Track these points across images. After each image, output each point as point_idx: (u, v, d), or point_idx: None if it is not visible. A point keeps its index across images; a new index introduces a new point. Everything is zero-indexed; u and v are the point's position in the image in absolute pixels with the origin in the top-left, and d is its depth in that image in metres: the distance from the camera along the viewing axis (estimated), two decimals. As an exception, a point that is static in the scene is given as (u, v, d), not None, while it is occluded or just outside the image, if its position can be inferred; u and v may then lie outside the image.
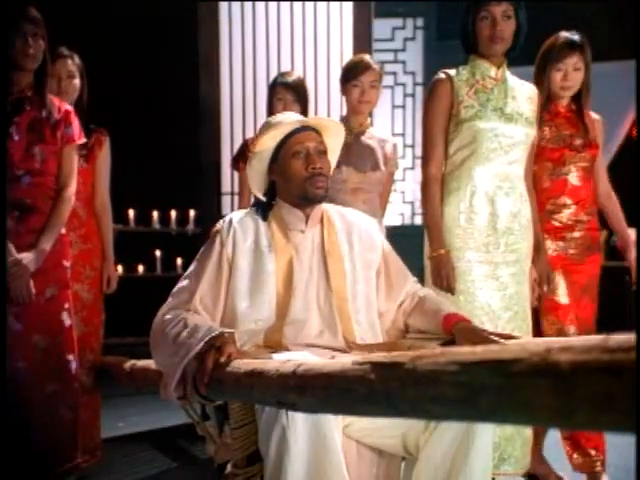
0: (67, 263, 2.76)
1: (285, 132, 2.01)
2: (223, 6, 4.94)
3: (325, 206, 2.14)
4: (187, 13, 5.12)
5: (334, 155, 2.16)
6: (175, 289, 2.00)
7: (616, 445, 2.93)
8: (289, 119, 2.07)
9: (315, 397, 1.06)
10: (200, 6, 4.89)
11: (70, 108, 2.78)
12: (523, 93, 2.75)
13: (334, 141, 2.12)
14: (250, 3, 4.96)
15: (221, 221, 2.05)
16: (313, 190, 1.99)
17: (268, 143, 2.03)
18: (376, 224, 2.29)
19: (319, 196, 2.01)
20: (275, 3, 4.98)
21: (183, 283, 1.99)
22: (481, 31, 2.61)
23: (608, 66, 6.61)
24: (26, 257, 2.55)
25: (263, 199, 2.12)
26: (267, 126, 2.05)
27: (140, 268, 6.18)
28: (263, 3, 4.97)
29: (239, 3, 4.95)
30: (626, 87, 6.15)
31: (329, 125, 2.10)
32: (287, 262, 1.99)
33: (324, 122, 2.11)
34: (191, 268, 2.02)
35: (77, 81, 3.11)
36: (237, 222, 2.03)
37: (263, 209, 2.08)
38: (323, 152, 2.03)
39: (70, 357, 2.72)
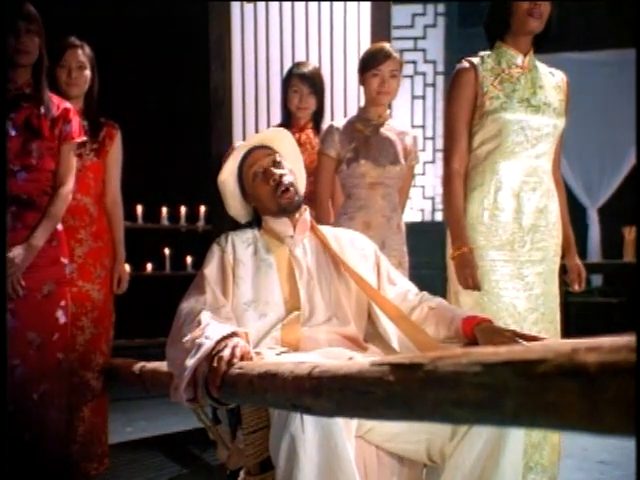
0: (65, 260, 2.81)
1: (237, 159, 2.20)
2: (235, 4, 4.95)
3: (315, 224, 2.31)
4: (197, 2, 5.14)
5: (296, 159, 2.31)
6: (189, 289, 2.07)
7: (616, 445, 2.92)
8: (235, 149, 2.24)
9: (331, 400, 1.07)
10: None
11: (69, 106, 2.84)
12: (551, 81, 2.73)
13: (287, 148, 2.28)
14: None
15: (217, 238, 2.21)
16: (283, 200, 2.15)
17: (229, 181, 2.23)
18: (365, 238, 2.36)
19: (293, 203, 2.17)
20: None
21: (193, 285, 2.07)
22: (519, 6, 2.58)
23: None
24: (17, 255, 2.61)
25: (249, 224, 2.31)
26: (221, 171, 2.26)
27: (148, 266, 6.21)
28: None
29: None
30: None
31: (273, 137, 2.26)
32: (286, 260, 2.14)
33: (266, 136, 2.27)
34: (197, 276, 2.11)
35: (87, 72, 3.13)
36: (234, 235, 2.19)
37: (255, 223, 2.27)
38: (278, 162, 2.19)
39: (61, 356, 2.77)
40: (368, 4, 4.80)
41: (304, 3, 4.95)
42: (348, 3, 4.90)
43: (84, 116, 3.06)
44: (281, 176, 2.15)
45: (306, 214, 2.23)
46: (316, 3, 4.93)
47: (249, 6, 4.91)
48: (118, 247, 3.28)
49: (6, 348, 2.55)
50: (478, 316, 1.97)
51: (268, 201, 2.17)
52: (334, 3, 4.93)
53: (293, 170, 2.23)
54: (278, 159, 2.19)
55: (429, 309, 2.07)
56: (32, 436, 2.64)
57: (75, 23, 3.80)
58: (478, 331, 1.89)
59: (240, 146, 2.22)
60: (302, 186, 2.32)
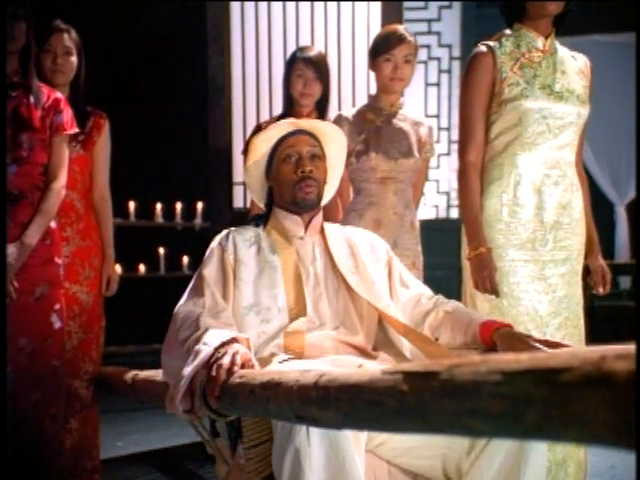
0: (59, 260, 2.81)
1: (278, 135, 2.17)
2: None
3: (326, 223, 2.30)
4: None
5: (337, 167, 2.32)
6: (186, 291, 2.07)
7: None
8: (282, 122, 2.23)
9: (339, 411, 1.07)
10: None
11: (60, 96, 2.84)
12: (574, 66, 2.73)
13: (335, 150, 2.28)
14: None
15: (218, 235, 2.19)
16: (302, 195, 2.14)
17: (262, 147, 2.19)
18: (378, 238, 2.37)
19: (309, 201, 2.15)
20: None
21: (191, 287, 2.07)
22: None
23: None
24: (10, 254, 2.62)
25: (262, 208, 2.31)
26: (258, 129, 2.18)
27: (141, 267, 6.22)
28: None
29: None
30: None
31: (326, 130, 2.24)
32: (293, 263, 2.12)
33: (320, 126, 2.25)
34: (195, 277, 2.10)
35: (74, 58, 3.14)
36: (236, 232, 2.18)
37: (260, 219, 2.25)
38: (318, 157, 2.18)
39: (57, 363, 2.78)
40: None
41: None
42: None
43: (70, 105, 3.06)
44: (311, 171, 2.14)
45: (319, 215, 2.24)
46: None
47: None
48: (107, 246, 3.28)
49: (6, 349, 2.57)
50: (497, 321, 1.97)
51: (286, 188, 2.16)
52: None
53: (327, 174, 2.24)
54: (319, 154, 2.20)
55: (445, 313, 2.08)
56: (23, 447, 2.65)
57: (61, 6, 3.80)
58: (497, 337, 1.89)
59: (286, 124, 2.21)
60: (329, 194, 2.34)
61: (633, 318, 6.22)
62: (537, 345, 1.79)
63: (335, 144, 2.27)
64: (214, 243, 2.16)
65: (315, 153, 2.18)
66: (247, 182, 2.32)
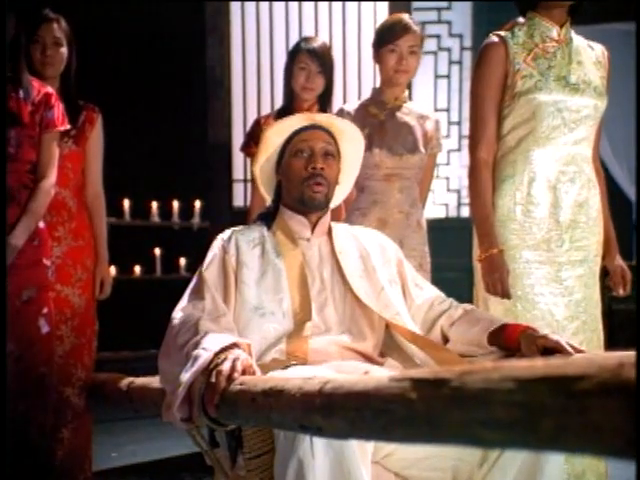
0: (48, 261, 2.82)
1: (292, 128, 2.17)
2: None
3: (334, 223, 2.30)
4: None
5: (352, 167, 2.32)
6: (185, 294, 2.07)
7: None
8: (297, 115, 2.26)
9: (345, 420, 1.07)
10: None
11: (51, 91, 2.84)
12: (590, 56, 2.73)
13: (352, 149, 2.27)
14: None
15: (220, 234, 2.19)
16: (309, 194, 2.14)
17: (274, 139, 2.19)
18: (388, 239, 2.37)
19: (316, 201, 2.15)
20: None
21: (191, 289, 2.07)
22: None
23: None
24: None
25: (269, 204, 2.31)
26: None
27: (137, 269, 6.22)
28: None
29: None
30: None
31: (344, 128, 2.24)
32: (298, 266, 2.12)
33: (338, 123, 2.25)
34: (195, 279, 2.11)
35: (64, 49, 3.13)
36: (239, 233, 2.18)
37: (267, 218, 2.24)
38: (331, 155, 2.18)
39: (44, 369, 2.78)
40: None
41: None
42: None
43: (60, 99, 3.06)
44: (322, 169, 2.14)
45: (327, 216, 2.24)
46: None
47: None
48: (100, 246, 3.27)
49: (5, 349, 2.57)
50: (523, 324, 1.99)
51: (294, 184, 2.16)
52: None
53: (339, 175, 2.23)
54: (332, 152, 2.19)
55: (463, 311, 2.12)
56: (9, 458, 2.65)
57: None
58: (524, 338, 1.87)
59: (302, 118, 2.22)
60: (339, 197, 2.35)
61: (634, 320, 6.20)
62: (567, 348, 1.78)
63: (352, 144, 2.27)
64: (216, 243, 2.15)
65: (329, 151, 2.17)
66: (257, 176, 2.29)
